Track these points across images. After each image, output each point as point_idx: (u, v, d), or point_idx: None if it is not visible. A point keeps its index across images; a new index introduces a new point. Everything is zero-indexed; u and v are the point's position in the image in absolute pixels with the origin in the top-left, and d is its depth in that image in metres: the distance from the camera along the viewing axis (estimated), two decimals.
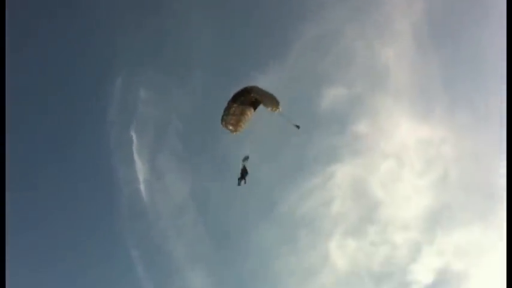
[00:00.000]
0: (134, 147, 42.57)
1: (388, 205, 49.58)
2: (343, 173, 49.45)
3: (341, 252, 49.21)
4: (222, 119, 21.97)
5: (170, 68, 47.52)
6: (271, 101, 21.52)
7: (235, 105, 21.55)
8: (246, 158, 23.04)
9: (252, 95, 21.27)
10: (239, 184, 23.30)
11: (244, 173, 23.17)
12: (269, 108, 21.63)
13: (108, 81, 45.63)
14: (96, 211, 46.46)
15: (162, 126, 45.84)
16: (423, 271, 47.57)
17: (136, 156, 42.92)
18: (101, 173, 46.43)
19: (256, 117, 22.14)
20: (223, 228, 48.75)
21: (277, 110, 21.64)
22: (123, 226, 45.10)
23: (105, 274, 45.65)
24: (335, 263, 48.86)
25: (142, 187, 43.18)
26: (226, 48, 47.56)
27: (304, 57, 47.62)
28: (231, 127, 22.10)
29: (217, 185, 47.44)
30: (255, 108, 21.88)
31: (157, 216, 46.10)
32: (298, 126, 21.77)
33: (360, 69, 49.15)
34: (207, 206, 47.85)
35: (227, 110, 21.72)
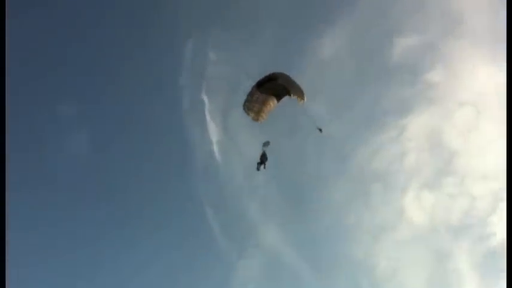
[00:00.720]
0: (206, 110, 43.09)
1: (465, 155, 48.33)
2: (416, 124, 48.05)
3: (417, 207, 48.30)
4: (244, 105, 21.75)
5: (238, 27, 47.94)
6: (297, 90, 21.07)
7: (258, 92, 21.25)
8: (266, 144, 22.87)
9: (278, 81, 20.84)
10: (258, 169, 23.13)
11: (263, 158, 22.99)
12: (295, 97, 21.18)
13: (178, 45, 46.76)
14: (172, 172, 48.15)
15: (232, 86, 46.14)
16: (504, 223, 46.07)
17: (208, 118, 43.47)
18: (175, 136, 47.78)
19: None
20: (295, 185, 49.42)
21: (302, 102, 21.25)
22: (198, 186, 46.40)
23: (181, 232, 47.67)
24: (411, 217, 48.06)
25: (215, 148, 44.02)
26: (293, 2, 46.59)
27: (374, 7, 46.00)
28: (252, 114, 21.86)
29: (290, 142, 47.63)
30: (278, 99, 21.60)
31: (230, 175, 47.21)
32: (320, 130, 21.49)
33: (433, 15, 46.98)
34: (280, 163, 48.36)
35: (250, 96, 21.46)
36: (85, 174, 46.00)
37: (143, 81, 46.14)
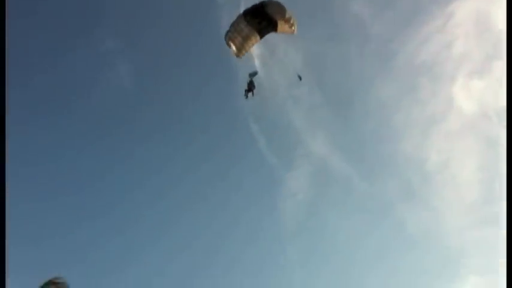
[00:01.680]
0: None
1: None
2: (464, 9, 45.60)
3: (466, 95, 47.36)
4: (227, 35, 20.72)
5: None
6: (286, 21, 20.04)
7: (244, 22, 20.12)
8: (253, 74, 22.39)
9: (267, 10, 19.67)
10: (246, 97, 22.84)
11: (251, 86, 22.58)
12: (285, 27, 20.22)
13: None
14: (216, 91, 48.50)
15: None
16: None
17: None
18: (216, 56, 47.51)
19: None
20: (340, 90, 49.00)
21: (293, 31, 20.38)
22: (241, 103, 46.73)
23: (229, 150, 48.67)
24: (460, 106, 47.20)
25: (256, 62, 43.54)
26: None
27: None
28: (234, 48, 20.85)
29: (331, 48, 46.75)
30: (262, 36, 20.50)
31: (274, 89, 46.93)
32: (300, 78, 21.51)
33: None
34: (323, 71, 47.56)
35: (234, 26, 20.37)
36: (129, 106, 47.21)
37: (180, 3, 45.20)
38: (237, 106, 44.65)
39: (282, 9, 19.86)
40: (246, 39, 20.45)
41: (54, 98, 45.79)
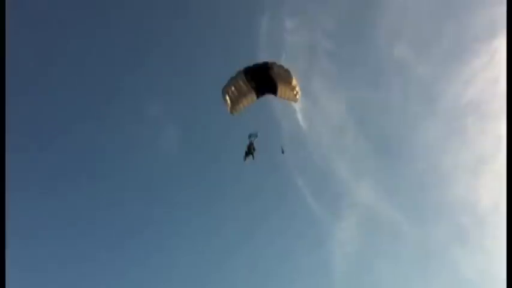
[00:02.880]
0: None
1: None
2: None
3: None
4: (224, 89, 19.87)
5: None
6: (289, 85, 19.31)
7: (243, 79, 19.46)
8: (253, 135, 21.32)
9: (270, 73, 19.07)
10: (245, 160, 21.39)
11: (251, 149, 21.35)
12: (287, 93, 19.48)
13: (253, 19, 44.99)
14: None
15: (310, 50, 44.08)
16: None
17: None
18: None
19: None
20: (385, 136, 47.75)
21: (297, 99, 19.63)
22: (286, 158, 45.70)
23: (274, 205, 47.50)
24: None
25: (299, 116, 42.75)
26: None
27: None
28: (229, 103, 20.00)
29: (373, 95, 45.65)
30: (259, 96, 19.92)
31: (317, 140, 46.26)
32: (283, 151, 20.78)
33: None
34: (366, 118, 46.74)
35: (233, 80, 19.65)
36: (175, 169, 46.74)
37: (223, 64, 44.74)
38: (281, 160, 43.63)
39: (286, 74, 19.24)
40: (243, 96, 19.81)
41: (97, 164, 45.31)
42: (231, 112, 20.24)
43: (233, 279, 44.57)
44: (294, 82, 19.37)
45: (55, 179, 44.07)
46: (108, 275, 43.69)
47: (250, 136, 21.24)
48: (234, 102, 19.96)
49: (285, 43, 43.69)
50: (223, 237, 45.15)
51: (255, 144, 21.24)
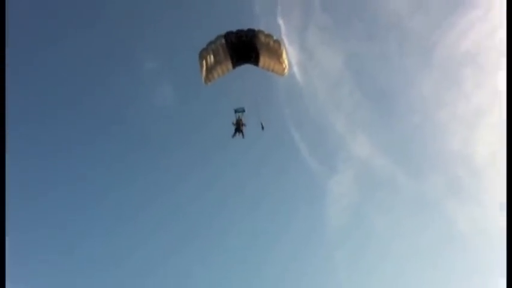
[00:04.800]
0: (283, 34, 40.90)
1: None
2: None
3: None
4: (201, 52, 18.52)
5: None
6: (277, 59, 18.29)
7: (223, 44, 18.13)
8: (240, 110, 20.20)
9: (255, 42, 17.90)
10: (233, 137, 20.40)
11: (240, 125, 20.19)
12: (269, 68, 18.54)
13: None
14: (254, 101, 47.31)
15: (305, 3, 43.65)
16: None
17: (286, 41, 41.48)
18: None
19: None
20: (381, 90, 47.01)
21: (284, 71, 18.69)
22: (282, 111, 45.62)
23: (270, 159, 47.24)
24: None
25: (295, 69, 42.14)
26: None
27: None
28: (204, 70, 18.60)
29: (370, 47, 45.13)
30: (234, 64, 18.63)
31: (314, 94, 45.81)
32: (263, 127, 19.70)
33: None
34: (363, 71, 46.12)
35: (211, 44, 18.36)
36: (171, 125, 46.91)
37: (219, 17, 44.20)
38: (278, 114, 43.53)
39: (276, 46, 18.33)
40: (220, 63, 18.59)
41: (96, 121, 45.38)
42: (205, 82, 19.07)
43: (227, 232, 45.31)
44: (284, 54, 18.52)
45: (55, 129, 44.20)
46: (107, 225, 44.62)
47: (236, 111, 20.23)
48: (209, 70, 18.74)
49: None
50: (219, 190, 45.34)
51: (244, 120, 20.25)
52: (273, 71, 18.87)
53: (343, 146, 47.15)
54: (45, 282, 39.29)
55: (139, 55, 45.32)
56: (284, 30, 41.29)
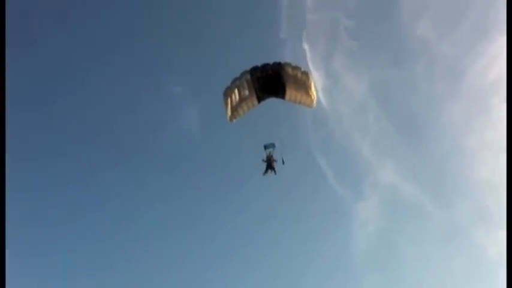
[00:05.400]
0: (308, 58, 41.47)
1: None
2: None
3: None
4: (226, 91, 18.05)
5: None
6: (305, 91, 17.76)
7: (248, 79, 17.70)
8: (270, 145, 19.41)
9: (282, 75, 17.45)
10: (264, 174, 19.60)
11: (271, 162, 19.41)
12: (296, 101, 18.05)
13: None
14: (280, 127, 47.53)
15: (331, 29, 44.02)
16: None
17: (311, 67, 41.63)
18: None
19: None
20: (408, 116, 46.88)
21: (313, 106, 18.28)
22: (308, 136, 45.67)
23: (297, 185, 46.28)
24: None
25: (320, 95, 42.51)
26: None
27: None
28: (229, 108, 18.10)
29: (396, 74, 45.25)
30: (260, 99, 18.13)
31: (339, 119, 45.86)
32: (283, 162, 19.05)
33: None
34: (388, 97, 46.34)
35: (236, 81, 17.87)
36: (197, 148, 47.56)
37: (245, 44, 45.05)
38: (303, 140, 43.77)
39: (304, 77, 17.81)
40: (243, 101, 18.06)
41: (122, 145, 46.38)
42: (230, 120, 18.47)
43: (256, 259, 45.13)
44: (313, 86, 18.03)
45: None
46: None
47: (266, 147, 19.40)
48: (234, 108, 18.15)
49: (306, 21, 44.10)
50: (246, 218, 45.68)
51: (275, 156, 19.43)
52: (300, 102, 18.46)
53: (369, 171, 47.02)
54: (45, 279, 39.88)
55: (166, 78, 46.31)
56: (310, 55, 41.94)
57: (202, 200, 46.63)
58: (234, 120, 18.55)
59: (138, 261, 43.51)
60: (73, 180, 44.58)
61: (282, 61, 17.82)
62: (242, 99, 18.02)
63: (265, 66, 17.67)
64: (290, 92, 18.01)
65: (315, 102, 18.37)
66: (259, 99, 18.22)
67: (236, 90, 17.85)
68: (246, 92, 17.92)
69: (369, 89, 45.95)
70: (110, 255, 43.57)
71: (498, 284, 44.02)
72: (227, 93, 17.94)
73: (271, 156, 19.32)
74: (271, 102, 18.78)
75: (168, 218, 45.85)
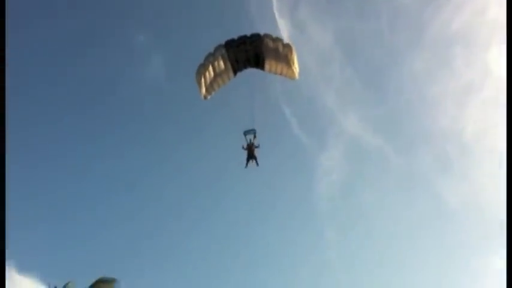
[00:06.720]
0: (275, 8, 41.20)
1: None
2: None
3: (503, 62, 45.65)
4: (199, 69, 16.73)
5: None
6: (286, 62, 16.83)
7: (223, 54, 16.55)
8: (250, 132, 18.03)
9: (261, 47, 16.41)
10: (246, 166, 18.32)
11: (252, 151, 18.06)
12: (277, 72, 17.17)
13: None
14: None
15: None
16: None
17: (277, 16, 41.61)
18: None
19: None
20: (372, 66, 46.30)
21: (295, 78, 17.39)
22: (272, 86, 45.61)
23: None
24: (497, 74, 45.52)
25: None
26: None
27: None
28: (203, 86, 16.89)
29: (361, 24, 45.03)
30: (236, 72, 17.09)
31: (304, 69, 46.05)
32: (257, 164, 18.33)
33: None
34: (354, 47, 45.56)
35: (210, 57, 16.66)
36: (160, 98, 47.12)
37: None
38: (267, 89, 43.78)
39: (286, 50, 16.74)
40: (218, 77, 17.06)
41: (85, 92, 45.96)
42: (204, 97, 17.31)
43: (218, 205, 45.78)
44: (296, 59, 17.00)
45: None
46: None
47: (246, 134, 17.99)
48: (209, 85, 17.09)
49: None
50: (210, 163, 45.15)
51: (256, 142, 18.14)
52: (281, 74, 17.45)
53: (333, 121, 46.65)
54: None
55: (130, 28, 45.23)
56: (276, 5, 40.44)
57: (167, 145, 46.78)
58: (209, 97, 17.43)
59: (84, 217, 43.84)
60: (34, 123, 44.50)
61: (261, 33, 16.64)
62: (217, 75, 16.98)
63: (242, 39, 16.53)
64: (270, 65, 17.08)
65: (297, 74, 17.42)
66: (236, 72, 17.18)
67: (210, 67, 16.73)
68: (222, 67, 16.85)
69: (334, 39, 45.90)
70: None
71: (455, 232, 45.93)
72: (200, 71, 16.76)
73: (252, 143, 18.09)
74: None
75: (128, 170, 45.82)
